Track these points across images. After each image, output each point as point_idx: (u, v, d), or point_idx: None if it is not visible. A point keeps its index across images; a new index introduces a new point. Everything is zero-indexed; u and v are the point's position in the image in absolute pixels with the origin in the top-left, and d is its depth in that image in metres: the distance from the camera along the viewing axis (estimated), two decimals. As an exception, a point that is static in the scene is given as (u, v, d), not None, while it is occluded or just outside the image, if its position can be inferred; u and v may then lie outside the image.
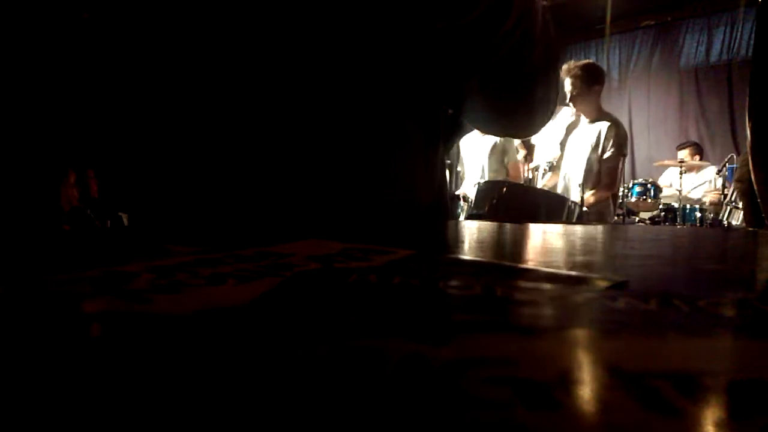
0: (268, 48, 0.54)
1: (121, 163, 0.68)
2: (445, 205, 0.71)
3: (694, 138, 5.23)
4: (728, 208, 3.38)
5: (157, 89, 0.59)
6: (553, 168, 3.02)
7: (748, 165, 2.15)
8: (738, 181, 2.65)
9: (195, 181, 0.57)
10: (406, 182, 0.61)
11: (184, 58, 0.56)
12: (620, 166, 2.79)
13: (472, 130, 0.77)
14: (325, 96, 0.55)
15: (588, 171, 2.75)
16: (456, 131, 0.72)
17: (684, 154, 4.04)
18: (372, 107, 0.58)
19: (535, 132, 0.72)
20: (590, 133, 2.77)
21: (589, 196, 2.73)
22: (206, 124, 0.56)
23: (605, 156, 2.72)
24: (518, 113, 0.65)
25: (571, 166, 2.84)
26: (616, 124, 2.78)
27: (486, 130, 0.74)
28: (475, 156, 3.20)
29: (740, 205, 2.97)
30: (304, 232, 0.33)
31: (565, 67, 2.76)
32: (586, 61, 3.12)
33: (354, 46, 0.56)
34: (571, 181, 2.83)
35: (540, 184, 3.05)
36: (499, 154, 3.14)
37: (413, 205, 0.61)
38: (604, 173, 2.73)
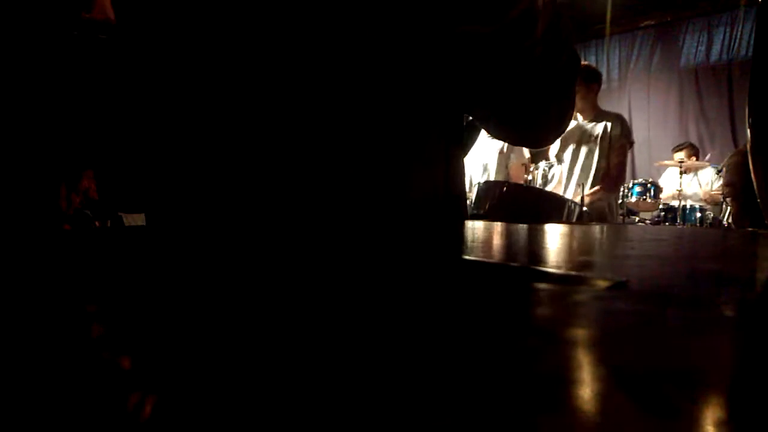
0: (288, 49, 0.54)
1: (123, 164, 0.68)
2: (463, 206, 0.71)
3: (694, 138, 5.24)
4: (728, 208, 3.39)
5: (162, 90, 0.59)
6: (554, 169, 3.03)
7: (737, 168, 2.14)
8: (727, 185, 2.66)
9: (203, 182, 0.56)
10: (429, 184, 0.61)
11: (193, 59, 0.55)
12: (626, 159, 2.85)
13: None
14: (348, 98, 0.55)
15: (593, 166, 2.78)
16: (473, 135, 0.72)
17: (681, 156, 4.04)
18: (396, 110, 0.58)
19: (551, 142, 0.73)
20: (593, 130, 2.81)
21: (596, 190, 2.76)
22: (218, 125, 0.56)
23: (615, 145, 2.77)
24: (538, 123, 0.65)
25: (574, 164, 2.86)
26: (620, 118, 2.85)
27: (502, 138, 0.73)
28: (479, 156, 3.21)
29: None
30: (318, 233, 0.33)
31: None
32: (583, 62, 3.16)
33: (379, 49, 0.56)
34: (573, 179, 2.85)
35: (549, 187, 3.06)
36: (506, 156, 3.16)
37: (434, 206, 0.61)
38: (612, 166, 2.78)
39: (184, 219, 0.58)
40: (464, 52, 0.57)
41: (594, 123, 2.83)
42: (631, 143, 2.88)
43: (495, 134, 0.71)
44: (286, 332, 0.14)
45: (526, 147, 2.67)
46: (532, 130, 0.68)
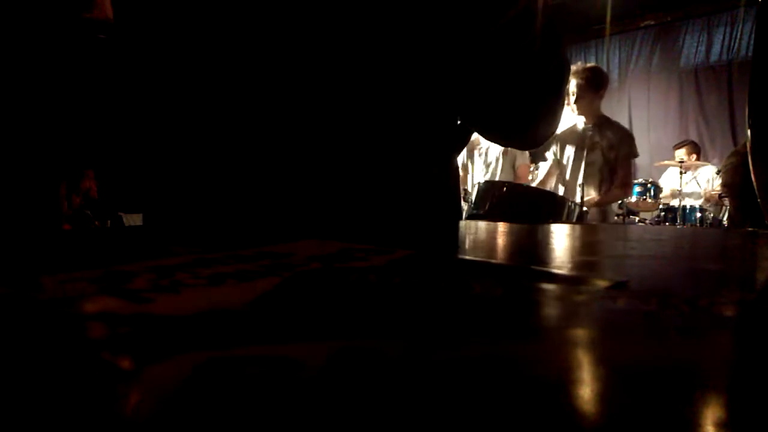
0: (287, 50, 0.54)
1: (123, 164, 0.68)
2: (457, 206, 0.71)
3: (694, 138, 5.24)
4: (726, 208, 3.40)
5: (162, 90, 0.59)
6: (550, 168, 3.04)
7: (735, 169, 2.15)
8: (724, 185, 2.67)
9: (204, 182, 0.56)
10: (422, 182, 0.61)
11: (193, 59, 0.56)
12: (632, 170, 2.89)
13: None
14: (343, 98, 0.55)
15: (599, 171, 2.78)
16: (466, 136, 0.72)
17: (681, 153, 4.05)
18: (391, 109, 0.58)
19: (540, 143, 0.73)
20: (595, 135, 2.79)
21: (604, 195, 2.77)
22: (218, 125, 0.56)
23: (621, 158, 2.78)
24: (529, 124, 0.66)
25: (577, 168, 2.86)
26: (626, 131, 2.87)
27: (492, 138, 0.74)
28: (483, 156, 3.22)
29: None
30: (316, 232, 0.33)
31: (572, 68, 2.79)
32: (593, 64, 3.16)
33: (377, 49, 0.56)
34: (572, 181, 2.84)
35: (535, 182, 3.07)
36: (511, 157, 3.17)
37: (428, 206, 0.62)
38: (620, 174, 2.79)
39: (183, 219, 0.58)
40: (463, 51, 0.57)
41: (596, 128, 2.81)
42: (635, 156, 2.91)
43: (485, 134, 0.71)
44: (285, 331, 0.14)
45: (516, 148, 2.67)
46: (522, 130, 0.68)
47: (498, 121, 0.66)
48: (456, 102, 0.65)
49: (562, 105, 0.67)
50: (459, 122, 0.68)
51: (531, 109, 0.63)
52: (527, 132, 0.68)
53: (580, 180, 2.78)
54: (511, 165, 3.21)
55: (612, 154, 2.78)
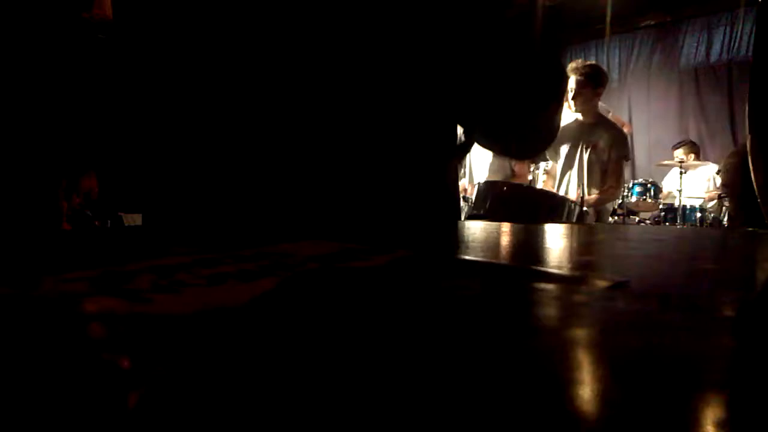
0: (288, 53, 0.54)
1: (123, 164, 0.68)
2: (456, 206, 0.71)
3: (693, 137, 5.23)
4: (726, 208, 3.39)
5: (161, 91, 0.59)
6: (547, 171, 3.03)
7: (735, 169, 2.14)
8: (725, 185, 2.67)
9: (204, 182, 0.56)
10: (421, 185, 0.61)
11: (192, 59, 0.56)
12: (624, 171, 2.90)
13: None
14: (345, 101, 0.55)
15: (592, 171, 2.78)
16: (467, 143, 0.72)
17: (680, 153, 4.05)
18: (393, 112, 0.58)
19: (534, 155, 0.73)
20: (591, 134, 2.79)
21: (596, 195, 2.77)
22: (217, 125, 0.56)
23: (614, 160, 2.78)
24: (522, 134, 0.66)
25: (570, 166, 2.86)
26: (621, 133, 2.87)
27: (487, 147, 0.74)
28: (481, 156, 3.22)
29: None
30: (317, 232, 0.33)
31: (572, 65, 2.79)
32: (593, 62, 3.16)
33: (378, 51, 0.56)
34: (570, 181, 2.84)
35: (538, 184, 3.06)
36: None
37: (427, 207, 0.62)
38: (612, 175, 2.79)
39: (183, 219, 0.58)
40: (463, 54, 0.57)
41: (593, 128, 2.81)
42: (628, 159, 2.92)
43: (483, 143, 0.72)
44: (283, 331, 0.14)
45: (514, 157, 2.65)
46: (520, 137, 0.68)
47: (497, 125, 0.66)
48: (455, 105, 0.65)
49: (560, 112, 0.67)
50: (460, 131, 0.69)
51: (529, 113, 0.63)
52: (525, 139, 0.68)
53: (575, 179, 2.78)
54: (510, 165, 3.20)
55: (606, 155, 2.78)
